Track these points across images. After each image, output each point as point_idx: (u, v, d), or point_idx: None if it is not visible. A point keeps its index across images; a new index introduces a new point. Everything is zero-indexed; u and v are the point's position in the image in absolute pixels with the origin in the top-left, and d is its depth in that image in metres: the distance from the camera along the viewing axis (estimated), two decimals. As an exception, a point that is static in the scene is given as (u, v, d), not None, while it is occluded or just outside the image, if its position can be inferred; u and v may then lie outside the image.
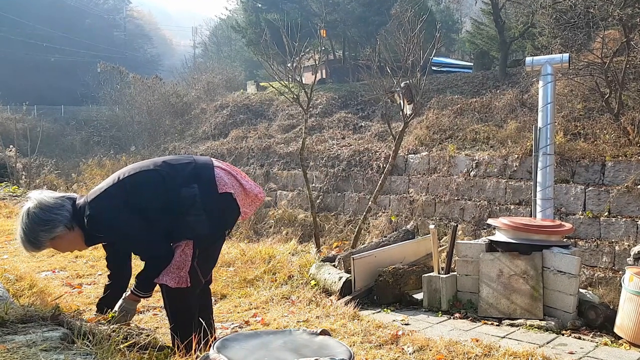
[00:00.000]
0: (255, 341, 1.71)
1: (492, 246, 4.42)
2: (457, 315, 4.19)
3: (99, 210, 2.45)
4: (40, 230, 2.45)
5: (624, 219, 7.90)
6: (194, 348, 2.28)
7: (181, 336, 2.52)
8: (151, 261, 2.54)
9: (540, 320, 3.95)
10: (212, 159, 2.68)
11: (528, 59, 6.15)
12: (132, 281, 2.76)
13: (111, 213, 2.45)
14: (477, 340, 3.38)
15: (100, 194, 2.49)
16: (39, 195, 2.50)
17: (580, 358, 3.25)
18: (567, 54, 6.24)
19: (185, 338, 2.44)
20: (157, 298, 4.28)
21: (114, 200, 2.46)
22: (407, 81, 7.75)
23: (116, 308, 2.65)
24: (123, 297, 2.68)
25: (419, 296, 4.55)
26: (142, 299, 2.62)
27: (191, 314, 2.58)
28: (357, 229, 8.16)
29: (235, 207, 2.56)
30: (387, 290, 4.56)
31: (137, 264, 2.76)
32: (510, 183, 9.28)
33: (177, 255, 2.52)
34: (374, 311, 4.29)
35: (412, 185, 10.82)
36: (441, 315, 4.20)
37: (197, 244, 2.51)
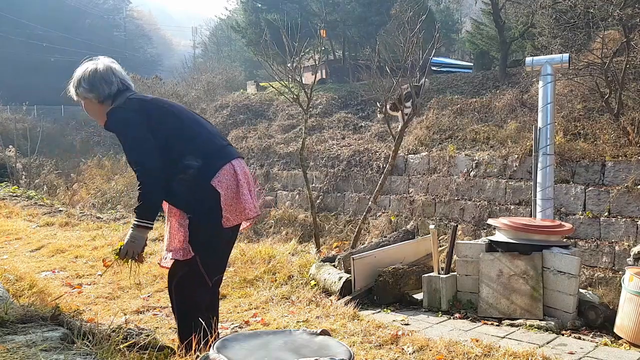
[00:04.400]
0: (255, 341, 1.71)
1: (492, 246, 4.42)
2: (457, 315, 4.19)
3: (126, 107, 2.62)
4: (82, 85, 2.67)
5: (624, 219, 7.90)
6: (193, 348, 2.28)
7: (185, 334, 2.55)
8: (143, 175, 2.55)
9: (540, 320, 3.95)
10: (239, 156, 2.77)
11: (528, 59, 6.15)
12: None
13: (132, 113, 2.60)
14: (477, 341, 3.38)
15: (140, 97, 2.72)
16: (104, 64, 2.70)
17: (580, 358, 3.25)
18: (567, 54, 6.23)
19: (188, 336, 2.46)
20: (157, 298, 4.29)
21: (143, 107, 2.63)
22: (409, 86, 7.75)
23: (126, 237, 2.61)
24: (131, 227, 2.66)
25: (419, 296, 4.55)
26: (148, 228, 2.58)
27: (199, 312, 2.59)
28: (357, 229, 8.16)
29: (216, 206, 2.59)
30: (387, 291, 4.56)
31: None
32: (510, 183, 9.28)
33: (173, 226, 2.72)
34: (373, 311, 4.29)
35: (412, 185, 10.81)
36: (441, 316, 4.20)
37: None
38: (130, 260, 2.55)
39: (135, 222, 2.54)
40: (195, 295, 2.63)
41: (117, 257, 2.53)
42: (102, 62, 2.71)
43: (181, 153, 2.59)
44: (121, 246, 2.53)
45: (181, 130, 2.65)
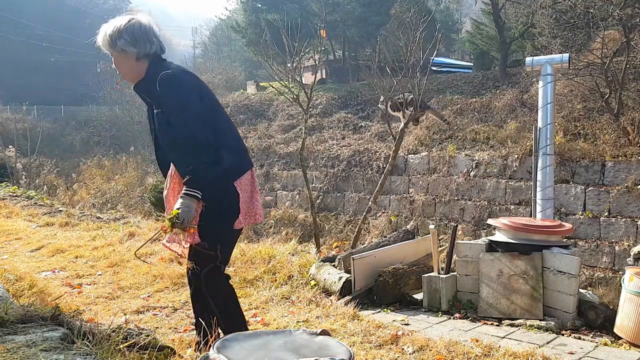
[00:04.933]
0: (255, 341, 1.71)
1: (492, 246, 4.42)
2: (457, 315, 4.19)
3: (182, 74, 2.57)
4: (123, 37, 2.52)
5: (623, 219, 7.90)
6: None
7: (228, 326, 2.59)
8: (196, 148, 2.44)
9: (540, 320, 3.95)
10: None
11: (528, 59, 6.15)
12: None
13: (188, 83, 2.56)
14: (477, 341, 3.38)
15: (185, 69, 2.68)
16: (148, 20, 2.63)
17: (580, 358, 3.25)
18: (567, 54, 6.23)
19: (232, 327, 2.51)
20: (157, 298, 4.29)
21: (193, 82, 2.61)
22: (411, 93, 7.75)
23: (177, 205, 2.48)
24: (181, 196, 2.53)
25: (419, 296, 4.55)
26: (198, 198, 2.45)
27: (231, 301, 2.68)
28: (357, 229, 8.16)
29: (234, 207, 2.60)
30: (387, 291, 4.56)
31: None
32: (510, 183, 9.28)
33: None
34: (373, 311, 4.29)
35: (412, 185, 10.81)
36: (441, 316, 4.19)
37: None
38: (184, 229, 2.48)
39: (187, 192, 2.43)
40: (224, 286, 2.69)
41: (173, 224, 2.45)
42: (145, 17, 2.60)
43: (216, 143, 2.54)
44: (176, 214, 2.44)
45: (217, 121, 2.60)
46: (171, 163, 2.70)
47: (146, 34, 2.55)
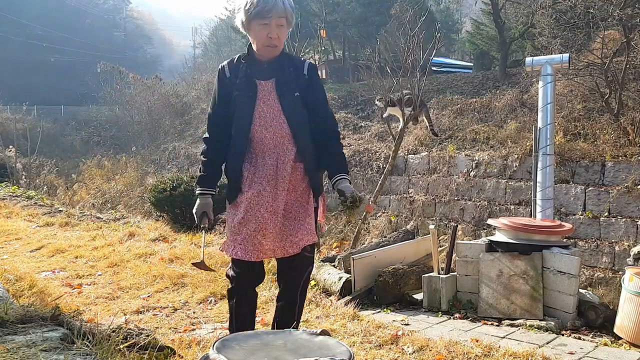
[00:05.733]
0: (255, 341, 1.71)
1: (492, 246, 4.42)
2: (457, 315, 4.19)
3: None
4: (291, 5, 2.44)
5: (624, 219, 7.89)
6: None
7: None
8: (337, 134, 2.54)
9: (540, 320, 3.95)
10: None
11: (528, 59, 6.15)
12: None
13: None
14: (477, 341, 3.38)
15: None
16: None
17: (580, 358, 3.25)
18: (567, 54, 6.23)
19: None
20: (157, 298, 4.29)
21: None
22: (409, 92, 7.76)
23: (350, 188, 2.47)
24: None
25: (419, 296, 4.55)
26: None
27: None
28: (357, 229, 8.16)
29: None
30: (387, 291, 4.56)
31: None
32: (510, 183, 9.27)
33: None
34: (373, 311, 4.29)
35: (412, 185, 10.81)
36: (441, 316, 4.19)
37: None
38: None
39: (346, 175, 2.50)
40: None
41: (355, 206, 2.49)
42: None
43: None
44: (358, 197, 2.51)
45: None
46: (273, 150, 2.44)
47: None
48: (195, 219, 2.59)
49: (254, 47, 2.43)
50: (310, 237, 2.48)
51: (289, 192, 2.44)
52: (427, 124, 9.39)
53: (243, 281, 2.59)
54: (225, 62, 2.53)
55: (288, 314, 2.63)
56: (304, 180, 2.48)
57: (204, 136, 2.59)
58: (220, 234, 7.84)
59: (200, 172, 2.60)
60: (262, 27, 2.34)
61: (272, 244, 2.44)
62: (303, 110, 2.46)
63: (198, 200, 2.57)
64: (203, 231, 2.72)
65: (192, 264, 2.82)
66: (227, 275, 2.65)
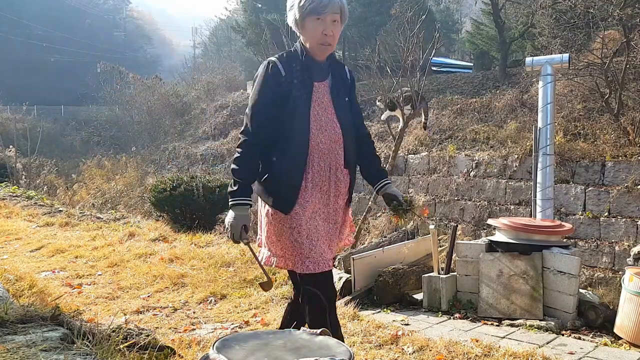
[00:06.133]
0: (255, 341, 1.71)
1: (492, 246, 4.42)
2: (457, 315, 4.19)
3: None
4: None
5: (624, 219, 7.89)
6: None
7: None
8: (370, 137, 2.49)
9: (540, 320, 3.95)
10: None
11: (528, 59, 6.15)
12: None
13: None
14: (477, 341, 3.38)
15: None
16: None
17: (580, 358, 3.25)
18: (567, 54, 6.23)
19: None
20: (157, 298, 4.29)
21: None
22: (409, 88, 7.75)
23: (398, 192, 2.51)
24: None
25: (419, 296, 4.55)
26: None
27: None
28: (357, 229, 8.15)
29: None
30: (387, 291, 4.56)
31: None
32: (510, 183, 9.27)
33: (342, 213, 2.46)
34: (373, 311, 4.29)
35: (412, 185, 10.81)
36: (441, 316, 4.20)
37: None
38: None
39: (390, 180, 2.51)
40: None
41: (407, 210, 2.48)
42: None
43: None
44: (409, 199, 2.50)
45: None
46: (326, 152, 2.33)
47: None
48: (232, 233, 2.25)
49: (307, 45, 2.32)
50: (346, 243, 2.50)
51: (337, 199, 2.37)
52: (423, 117, 9.41)
53: (330, 293, 2.37)
54: (274, 59, 2.33)
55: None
56: (348, 186, 2.42)
57: (243, 138, 2.28)
58: (220, 233, 7.84)
59: (236, 177, 2.26)
60: (317, 24, 2.24)
61: (331, 253, 2.38)
62: (350, 115, 2.42)
63: (235, 212, 2.24)
64: (248, 246, 2.36)
65: (260, 284, 2.51)
66: (306, 297, 2.35)
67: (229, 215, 2.25)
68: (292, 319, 2.48)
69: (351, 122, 2.41)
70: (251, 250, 2.38)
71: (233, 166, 2.28)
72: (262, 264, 2.41)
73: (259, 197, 2.37)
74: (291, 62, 2.31)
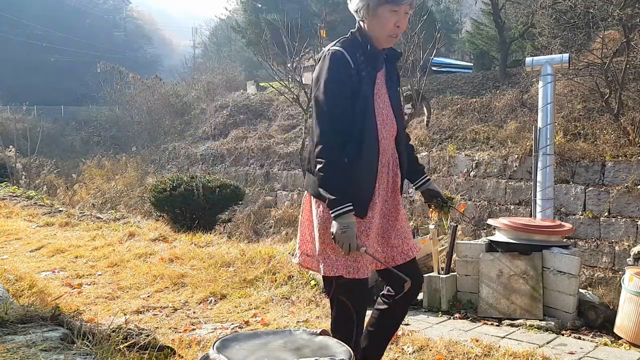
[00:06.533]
0: (255, 341, 1.71)
1: (492, 246, 4.42)
2: (457, 315, 4.19)
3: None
4: None
5: (623, 219, 7.90)
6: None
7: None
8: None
9: (540, 320, 3.95)
10: None
11: (528, 59, 6.15)
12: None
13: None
14: (477, 341, 3.38)
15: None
16: None
17: (580, 358, 3.25)
18: (567, 54, 6.24)
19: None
20: (157, 298, 4.29)
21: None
22: (409, 88, 7.78)
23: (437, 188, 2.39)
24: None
25: (419, 296, 4.55)
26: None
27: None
28: (357, 229, 8.15)
29: None
30: (387, 291, 4.55)
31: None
32: (510, 183, 9.28)
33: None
34: (374, 311, 4.29)
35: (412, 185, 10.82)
36: (441, 316, 4.19)
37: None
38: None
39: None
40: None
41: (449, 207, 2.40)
42: None
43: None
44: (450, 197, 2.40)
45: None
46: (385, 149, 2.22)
47: None
48: (348, 244, 2.03)
49: (375, 34, 2.15)
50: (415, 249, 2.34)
51: (395, 194, 2.26)
52: (426, 114, 9.42)
53: (363, 301, 2.32)
54: (339, 48, 2.13)
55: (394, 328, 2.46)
56: (401, 180, 2.30)
57: (324, 142, 2.06)
58: (220, 233, 7.84)
59: (330, 188, 2.04)
60: (392, 15, 2.10)
61: (381, 253, 2.26)
62: (401, 105, 2.31)
63: (343, 221, 2.02)
64: (367, 253, 2.11)
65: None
66: (341, 304, 2.25)
67: (336, 227, 2.02)
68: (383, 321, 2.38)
69: (402, 113, 2.32)
70: (373, 257, 2.15)
71: (321, 175, 2.05)
72: (336, 272, 2.18)
73: (312, 198, 2.21)
74: (355, 52, 2.14)
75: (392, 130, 2.21)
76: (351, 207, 2.03)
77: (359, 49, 2.14)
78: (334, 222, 2.03)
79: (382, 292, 2.43)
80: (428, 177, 2.42)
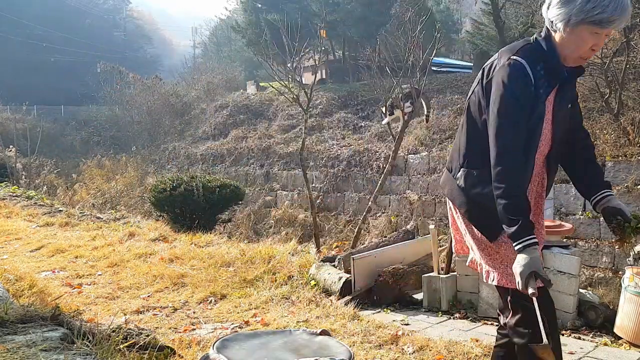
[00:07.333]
0: (255, 341, 1.71)
1: (492, 246, 4.41)
2: (457, 315, 4.19)
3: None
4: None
5: (624, 219, 7.90)
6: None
7: None
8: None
9: (540, 320, 3.95)
10: None
11: (528, 59, 6.15)
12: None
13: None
14: (477, 341, 3.38)
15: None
16: None
17: (580, 358, 3.26)
18: (567, 54, 6.23)
19: None
20: (157, 298, 4.29)
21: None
22: (409, 86, 7.78)
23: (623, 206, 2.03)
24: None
25: (419, 296, 4.55)
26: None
27: None
28: (357, 229, 8.16)
29: None
30: (387, 291, 4.56)
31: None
32: (510, 183, 9.29)
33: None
34: (373, 311, 4.29)
35: (412, 185, 10.81)
36: (441, 316, 4.19)
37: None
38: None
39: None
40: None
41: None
42: None
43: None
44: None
45: None
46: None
47: None
48: (521, 281, 1.81)
49: (565, 51, 1.92)
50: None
51: (538, 202, 2.13)
52: (425, 109, 9.41)
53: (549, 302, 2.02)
54: (523, 60, 1.90)
55: None
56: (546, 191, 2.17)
57: (508, 163, 1.87)
58: (220, 233, 7.84)
59: (513, 215, 1.84)
60: (592, 37, 1.86)
61: None
62: (566, 125, 2.07)
63: (527, 255, 1.81)
64: (534, 300, 1.83)
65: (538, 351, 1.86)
66: (524, 307, 1.98)
67: (520, 263, 1.81)
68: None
69: (564, 133, 2.08)
70: (533, 304, 1.86)
71: (502, 202, 1.85)
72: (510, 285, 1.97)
73: (454, 206, 2.13)
74: (536, 65, 1.92)
75: (544, 150, 2.05)
76: (536, 240, 1.84)
77: (540, 60, 1.93)
78: (518, 255, 1.83)
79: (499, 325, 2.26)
80: (609, 193, 2.06)
